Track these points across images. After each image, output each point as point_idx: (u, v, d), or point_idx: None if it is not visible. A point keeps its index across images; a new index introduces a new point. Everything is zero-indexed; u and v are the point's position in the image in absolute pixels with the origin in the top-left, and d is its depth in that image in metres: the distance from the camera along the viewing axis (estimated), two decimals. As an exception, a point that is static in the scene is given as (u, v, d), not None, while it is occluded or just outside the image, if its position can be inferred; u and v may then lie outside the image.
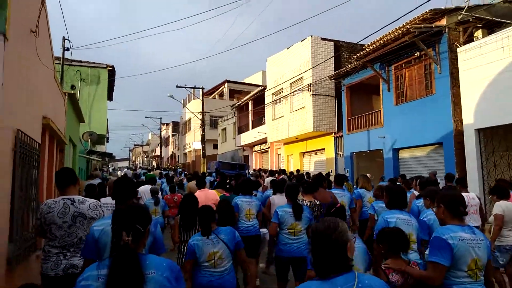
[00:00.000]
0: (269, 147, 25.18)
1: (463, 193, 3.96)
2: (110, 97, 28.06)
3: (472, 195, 5.95)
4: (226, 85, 40.97)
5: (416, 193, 6.33)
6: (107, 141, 36.97)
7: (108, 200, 4.72)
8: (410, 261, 3.13)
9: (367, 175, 8.39)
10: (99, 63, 22.96)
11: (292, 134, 19.94)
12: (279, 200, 5.79)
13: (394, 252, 3.03)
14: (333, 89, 18.33)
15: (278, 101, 22.05)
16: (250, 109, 26.40)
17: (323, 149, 19.29)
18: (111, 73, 23.47)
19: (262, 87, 23.67)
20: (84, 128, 18.68)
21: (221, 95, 42.52)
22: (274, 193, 6.45)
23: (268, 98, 23.05)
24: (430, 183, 5.93)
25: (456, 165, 11.44)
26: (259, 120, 25.86)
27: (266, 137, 23.64)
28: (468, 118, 10.97)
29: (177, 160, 52.34)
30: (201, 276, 3.49)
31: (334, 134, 18.26)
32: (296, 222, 4.50)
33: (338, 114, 18.25)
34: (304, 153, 21.44)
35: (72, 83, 19.94)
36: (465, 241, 2.64)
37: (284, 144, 23.08)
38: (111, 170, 24.57)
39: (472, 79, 10.77)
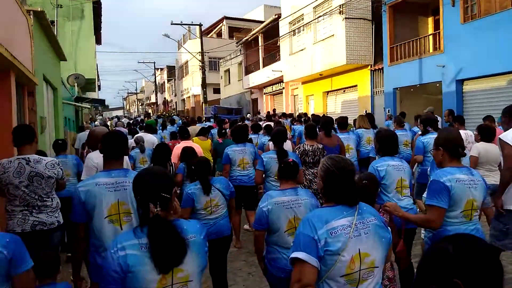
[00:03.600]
0: (283, 88, 22.11)
1: (460, 131, 5.07)
2: (98, 40, 24.76)
3: (470, 133, 6.02)
4: (224, 22, 36.99)
5: (419, 131, 6.33)
6: (99, 89, 33.97)
7: (95, 156, 3.77)
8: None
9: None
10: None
11: (317, 70, 16.84)
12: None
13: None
14: (369, 10, 14.99)
15: (297, 31, 18.64)
16: (260, 44, 22.88)
17: (355, 86, 16.29)
18: (97, 7, 19.78)
19: (276, 16, 20.08)
20: (69, 71, 15.63)
21: (219, 34, 38.71)
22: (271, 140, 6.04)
23: (283, 29, 19.58)
24: (431, 120, 6.00)
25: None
26: (271, 56, 22.52)
27: (281, 76, 20.51)
28: None
29: (171, 106, 49.51)
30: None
31: (371, 67, 15.19)
32: None
33: (375, 43, 15.09)
34: (328, 92, 18.46)
35: (52, 20, 16.52)
36: (462, 182, 2.64)
37: (303, 83, 20.02)
38: (99, 122, 21.63)
39: None
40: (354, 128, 8.48)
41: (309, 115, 14.47)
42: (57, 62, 10.52)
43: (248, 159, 5.47)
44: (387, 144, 3.61)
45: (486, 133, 4.94)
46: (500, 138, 3.78)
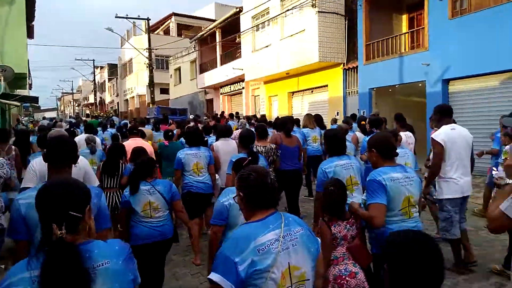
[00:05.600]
0: (243, 88, 20.63)
1: (401, 132, 5.45)
2: (30, 33, 21.65)
3: (409, 134, 6.05)
4: (173, 18, 35.05)
5: (358, 134, 6.81)
6: (30, 88, 30.29)
7: (37, 162, 3.20)
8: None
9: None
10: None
11: (284, 68, 15.58)
12: (223, 146, 5.63)
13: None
14: (342, 5, 14.00)
15: (260, 26, 17.27)
16: (218, 40, 21.21)
17: (325, 86, 15.23)
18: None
19: (237, 9, 18.54)
20: (-8, 62, 12.95)
21: (167, 32, 36.63)
22: (217, 139, 6.00)
23: (245, 24, 18.12)
24: (377, 121, 6.18)
25: None
26: (230, 54, 20.95)
27: (242, 75, 19.01)
28: None
29: (112, 107, 46.30)
30: (139, 227, 3.52)
31: (344, 65, 14.21)
32: None
33: (348, 40, 14.13)
34: (293, 92, 17.29)
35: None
36: (396, 181, 2.76)
37: (265, 83, 18.70)
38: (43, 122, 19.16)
39: None
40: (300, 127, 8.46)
41: (258, 117, 13.99)
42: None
43: (203, 163, 5.09)
44: (333, 143, 3.69)
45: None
46: (432, 137, 4.30)
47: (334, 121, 12.12)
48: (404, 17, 14.00)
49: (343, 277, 2.71)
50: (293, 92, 17.32)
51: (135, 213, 3.53)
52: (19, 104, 15.91)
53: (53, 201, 1.47)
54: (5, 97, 12.82)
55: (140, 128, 7.87)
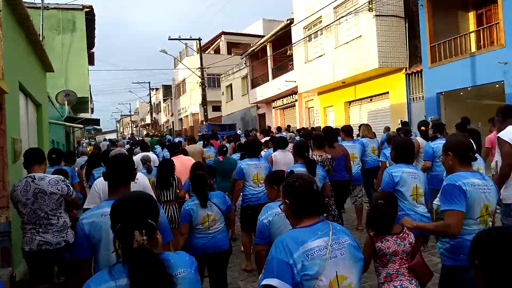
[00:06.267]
0: (296, 100, 20.13)
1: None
2: (90, 60, 22.87)
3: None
4: (222, 37, 35.52)
5: (420, 139, 6.32)
6: (92, 112, 31.97)
7: (100, 182, 3.58)
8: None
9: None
10: (72, 3, 17.27)
11: (340, 77, 14.90)
12: (281, 157, 5.58)
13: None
14: (401, 6, 13.16)
15: (313, 36, 16.78)
16: (269, 54, 20.99)
17: (386, 93, 14.33)
18: (89, 19, 17.87)
19: (288, 21, 18.23)
20: (59, 88, 13.56)
21: (217, 51, 37.24)
22: (274, 150, 5.97)
23: (296, 35, 17.73)
24: (440, 126, 6.09)
25: None
26: (282, 67, 20.60)
27: (294, 87, 18.54)
28: None
29: (167, 126, 47.71)
30: (196, 238, 3.61)
31: (406, 70, 13.28)
32: None
33: (409, 43, 13.22)
34: (350, 102, 16.51)
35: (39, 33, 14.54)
36: (477, 187, 2.56)
37: (319, 94, 18.08)
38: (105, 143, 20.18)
39: None
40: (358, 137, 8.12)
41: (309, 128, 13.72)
42: (41, 72, 8.43)
43: (263, 174, 4.96)
44: (403, 152, 3.64)
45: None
46: (498, 137, 3.97)
47: (387, 129, 11.75)
48: (471, 15, 12.85)
49: None
50: (350, 102, 16.53)
51: (194, 227, 3.63)
52: (82, 126, 16.57)
53: (133, 209, 1.54)
54: (70, 121, 13.32)
55: (184, 147, 8.39)
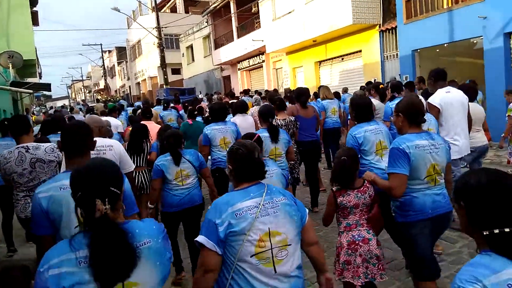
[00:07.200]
0: (263, 61, 19.32)
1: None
2: (34, 20, 20.55)
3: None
4: (178, -6, 33.31)
5: (375, 101, 6.24)
6: (40, 77, 29.48)
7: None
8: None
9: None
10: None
11: (311, 36, 14.23)
12: (241, 122, 5.66)
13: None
14: (375, -42, 12.48)
15: (281, -10, 15.82)
16: (232, 11, 19.76)
17: (359, 51, 13.87)
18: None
19: (254, -26, 17.05)
20: (-1, 48, 11.93)
21: (173, 10, 35.07)
22: (234, 114, 6.14)
23: (263, -11, 16.66)
24: (398, 86, 6.17)
25: None
26: (248, 25, 19.54)
27: (262, 47, 17.68)
28: None
29: (116, 91, 45.63)
30: (173, 196, 3.72)
31: (380, 26, 12.80)
32: (276, 146, 4.28)
33: (383, -2, 12.66)
34: (321, 62, 15.97)
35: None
36: (421, 148, 2.65)
37: (287, 53, 17.37)
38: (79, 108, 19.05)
39: None
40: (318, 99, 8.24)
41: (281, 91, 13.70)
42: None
43: (230, 138, 4.98)
44: (361, 110, 3.65)
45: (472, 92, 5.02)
46: (428, 102, 4.40)
47: (345, 90, 11.99)
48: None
49: (357, 242, 2.77)
50: (320, 62, 15.99)
51: (167, 182, 3.71)
52: (31, 92, 14.99)
53: (94, 177, 1.44)
54: (17, 86, 11.87)
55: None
